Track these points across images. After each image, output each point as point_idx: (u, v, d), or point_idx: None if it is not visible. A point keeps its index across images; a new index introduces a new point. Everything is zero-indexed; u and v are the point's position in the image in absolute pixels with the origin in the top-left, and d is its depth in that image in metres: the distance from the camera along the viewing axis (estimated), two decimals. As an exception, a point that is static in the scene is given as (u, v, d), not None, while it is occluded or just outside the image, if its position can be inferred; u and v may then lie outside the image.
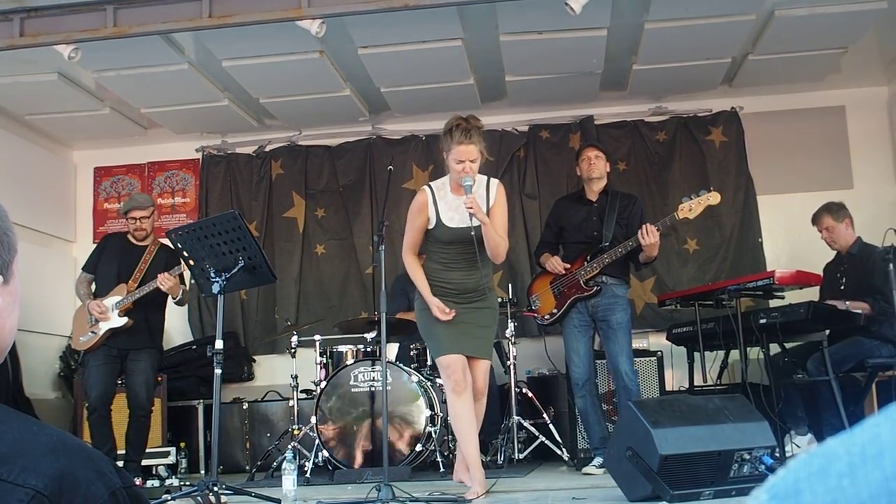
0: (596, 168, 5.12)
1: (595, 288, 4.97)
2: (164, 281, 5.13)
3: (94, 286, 5.51)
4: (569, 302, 5.04)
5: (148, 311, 5.39)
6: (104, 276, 5.48)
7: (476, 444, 4.10)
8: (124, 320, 5.28)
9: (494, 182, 4.19)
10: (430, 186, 4.20)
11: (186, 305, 7.20)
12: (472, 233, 4.00)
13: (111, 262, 5.48)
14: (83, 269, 5.63)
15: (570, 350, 5.07)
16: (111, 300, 5.33)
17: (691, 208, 4.80)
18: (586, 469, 4.93)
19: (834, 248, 5.55)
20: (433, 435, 5.17)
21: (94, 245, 5.76)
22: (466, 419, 4.06)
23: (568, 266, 5.07)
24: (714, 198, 4.82)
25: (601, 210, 5.09)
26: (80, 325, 5.41)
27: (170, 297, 5.34)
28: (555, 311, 5.12)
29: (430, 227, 4.15)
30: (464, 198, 3.95)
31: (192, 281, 4.45)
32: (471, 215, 3.95)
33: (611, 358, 5.01)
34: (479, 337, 4.20)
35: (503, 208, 4.15)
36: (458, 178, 4.01)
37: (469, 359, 4.17)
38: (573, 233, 5.17)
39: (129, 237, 5.56)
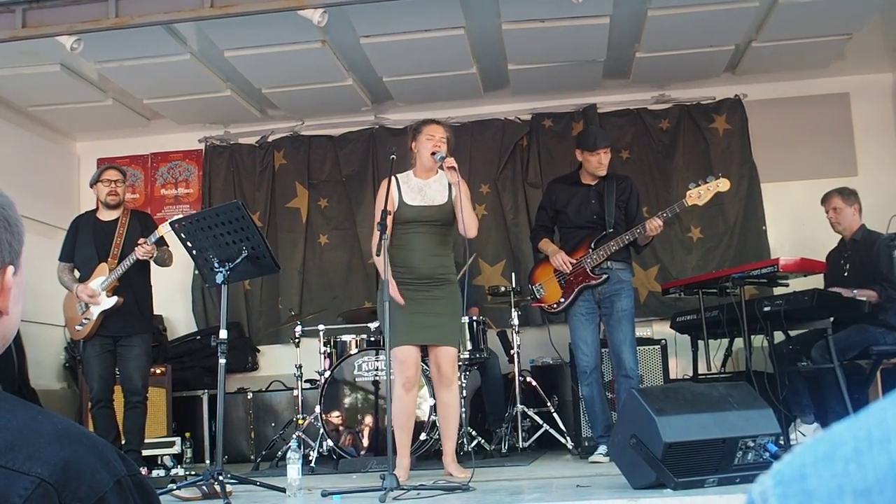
0: (606, 166, 5.06)
1: (604, 276, 4.93)
2: (145, 254, 5.01)
3: (76, 272, 5.33)
4: (577, 290, 5.00)
5: (135, 289, 5.25)
6: (83, 260, 5.30)
7: (410, 436, 4.40)
8: (114, 300, 5.13)
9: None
10: (394, 175, 4.42)
11: (191, 297, 7.28)
12: (444, 203, 4.38)
13: (86, 244, 5.30)
14: (60, 258, 5.34)
15: (578, 339, 5.01)
16: (96, 282, 5.18)
17: (700, 195, 4.75)
18: (592, 458, 4.92)
19: (836, 231, 5.54)
20: (437, 424, 5.18)
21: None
22: (409, 414, 4.40)
23: (573, 261, 5.01)
24: (724, 184, 4.75)
25: (600, 194, 5.02)
26: (72, 313, 5.29)
27: (152, 263, 5.21)
28: (562, 300, 5.06)
29: (394, 209, 4.30)
30: (440, 159, 4.31)
31: (196, 272, 4.44)
32: (450, 186, 4.39)
33: (613, 346, 4.96)
34: (438, 325, 4.34)
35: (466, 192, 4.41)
36: (431, 151, 4.37)
37: (432, 347, 4.38)
38: (572, 217, 5.08)
39: (98, 214, 5.37)
